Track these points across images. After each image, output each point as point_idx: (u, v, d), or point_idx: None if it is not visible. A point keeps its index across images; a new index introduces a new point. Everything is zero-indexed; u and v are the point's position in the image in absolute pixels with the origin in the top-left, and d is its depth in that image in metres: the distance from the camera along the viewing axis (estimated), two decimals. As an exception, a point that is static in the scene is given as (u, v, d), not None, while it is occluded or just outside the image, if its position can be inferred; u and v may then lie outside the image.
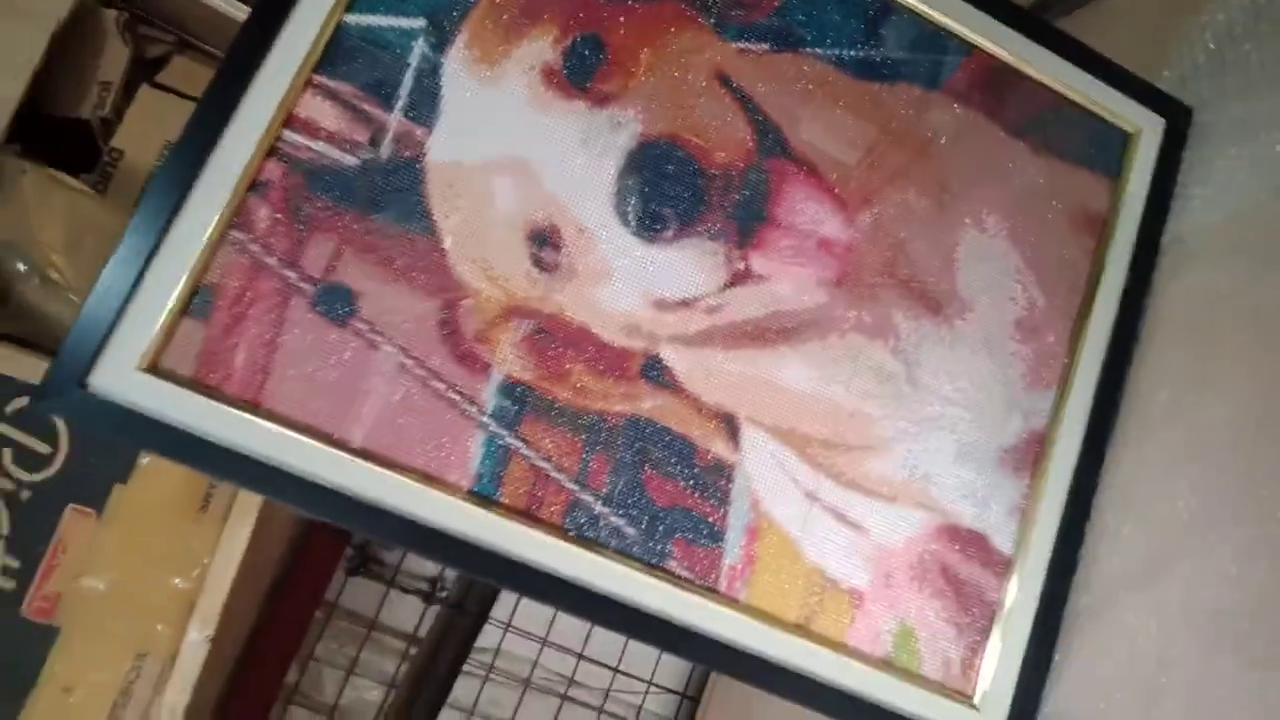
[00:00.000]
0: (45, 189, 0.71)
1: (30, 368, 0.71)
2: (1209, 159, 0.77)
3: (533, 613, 1.38)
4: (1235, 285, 0.69)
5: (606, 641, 1.39)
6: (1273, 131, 0.70)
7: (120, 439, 0.61)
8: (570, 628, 1.39)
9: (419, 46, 0.65)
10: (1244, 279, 0.68)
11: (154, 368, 0.57)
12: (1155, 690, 0.60)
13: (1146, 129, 0.80)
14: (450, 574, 1.36)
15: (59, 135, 0.79)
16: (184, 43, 0.84)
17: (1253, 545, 0.58)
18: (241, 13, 0.75)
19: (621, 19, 0.70)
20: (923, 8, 0.76)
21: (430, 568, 1.40)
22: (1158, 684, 0.60)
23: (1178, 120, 0.81)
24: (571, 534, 0.63)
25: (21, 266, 0.72)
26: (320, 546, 1.18)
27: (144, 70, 0.82)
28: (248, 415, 0.58)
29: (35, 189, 0.71)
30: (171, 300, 0.57)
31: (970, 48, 0.77)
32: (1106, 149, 0.80)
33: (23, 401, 0.69)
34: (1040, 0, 1.02)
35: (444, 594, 1.35)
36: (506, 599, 1.35)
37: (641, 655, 1.40)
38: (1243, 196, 0.72)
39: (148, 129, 0.80)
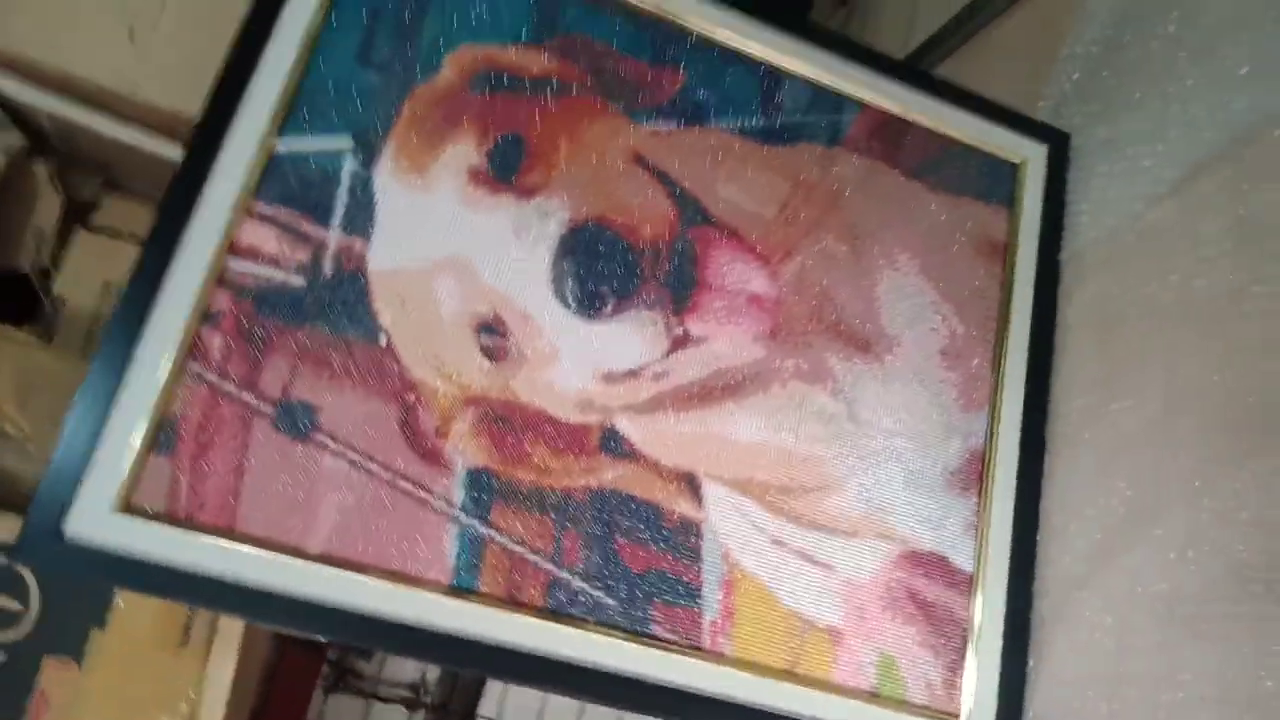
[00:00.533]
0: (-11, 344, 0.72)
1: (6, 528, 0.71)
2: (1086, 178, 0.84)
3: (521, 701, 1.37)
4: (1126, 290, 0.75)
5: (601, 716, 1.38)
6: (1135, 147, 0.78)
7: (102, 581, 0.61)
8: (561, 709, 1.38)
9: (349, 164, 0.68)
10: (1133, 283, 0.74)
11: (128, 507, 0.58)
12: (1119, 679, 0.64)
13: (1031, 157, 0.87)
14: (432, 677, 1.35)
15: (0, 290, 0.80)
16: (111, 184, 0.85)
17: (1188, 529, 0.63)
18: (168, 150, 0.78)
19: (537, 116, 0.74)
20: (810, 73, 0.82)
21: (411, 674, 1.38)
22: (1121, 673, 0.64)
23: (1058, 145, 0.88)
24: (554, 613, 0.64)
25: (-28, 424, 0.72)
26: (296, 667, 1.16)
27: (76, 214, 0.83)
28: (224, 541, 0.59)
29: (-21, 347, 0.71)
30: (138, 439, 0.59)
31: (860, 104, 0.84)
32: (998, 180, 0.86)
33: (-14, 559, 0.69)
34: (921, 46, 1.10)
35: (427, 698, 1.33)
36: (491, 694, 1.34)
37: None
38: (1119, 209, 0.78)
39: (87, 272, 0.82)
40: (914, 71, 0.86)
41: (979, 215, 0.85)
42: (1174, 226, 0.72)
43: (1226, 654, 0.57)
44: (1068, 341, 0.80)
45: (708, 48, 0.80)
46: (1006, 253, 0.84)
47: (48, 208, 0.79)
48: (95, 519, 0.57)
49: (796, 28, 0.83)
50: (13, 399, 0.72)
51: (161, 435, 0.60)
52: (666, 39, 0.79)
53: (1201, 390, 0.65)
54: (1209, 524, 0.61)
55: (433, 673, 1.32)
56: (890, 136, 0.84)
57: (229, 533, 0.59)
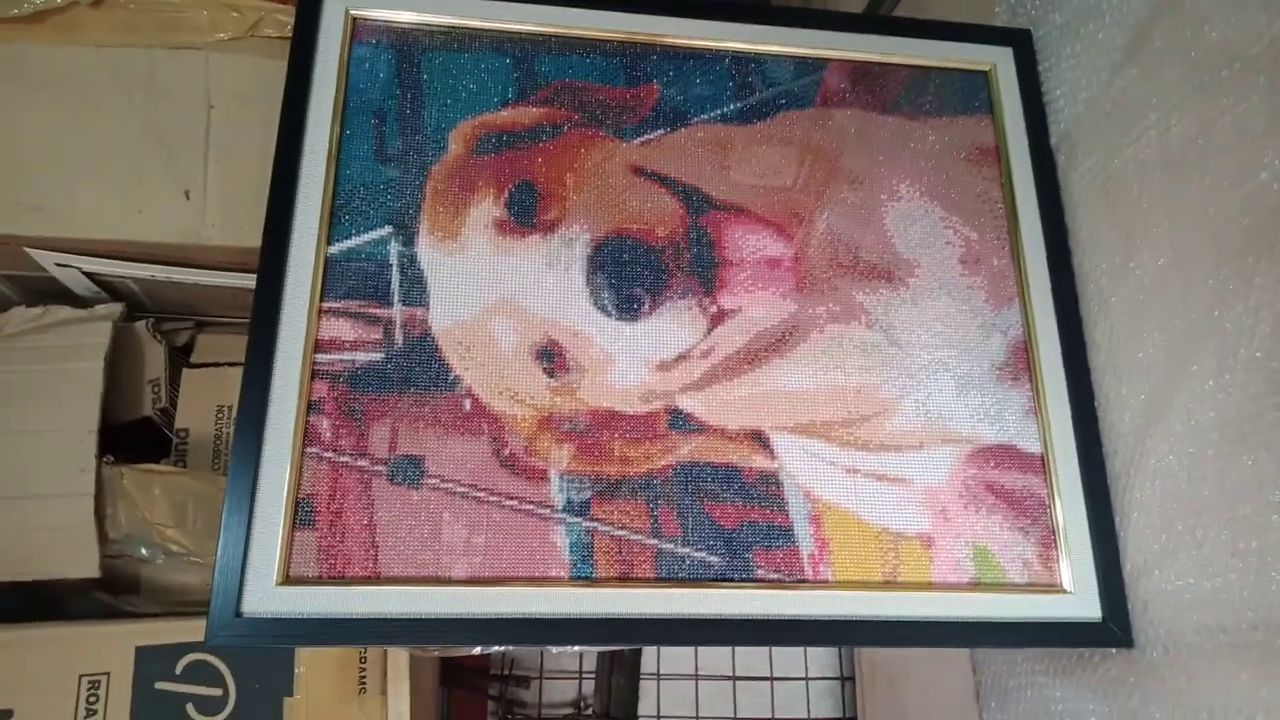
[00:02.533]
0: (144, 482, 0.83)
1: (182, 631, 0.82)
2: (1056, 64, 0.88)
3: (676, 696, 1.44)
4: (1115, 155, 0.79)
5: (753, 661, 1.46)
6: (1086, 24, 0.82)
7: (281, 644, 0.71)
8: (713, 700, 1.45)
9: (394, 248, 0.78)
10: (1119, 146, 0.78)
11: (287, 579, 0.68)
12: (1198, 509, 0.68)
13: (999, 62, 0.92)
14: (588, 690, 1.43)
15: (134, 436, 0.92)
16: (200, 323, 0.98)
17: (1219, 355, 0.67)
18: (242, 282, 0.89)
19: (540, 160, 0.83)
20: (772, 49, 0.89)
21: (569, 693, 1.47)
22: (1198, 504, 0.68)
23: (1022, 44, 0.93)
24: (666, 580, 0.72)
25: (145, 551, 0.84)
26: (464, 704, 1.26)
27: (178, 357, 0.95)
28: (373, 587, 0.68)
29: (136, 486, 0.83)
30: (282, 522, 0.69)
31: (825, 62, 0.90)
32: (974, 92, 0.91)
33: (189, 658, 0.80)
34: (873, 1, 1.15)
35: (589, 711, 1.42)
36: (648, 695, 1.42)
37: (787, 657, 1.47)
38: (1090, 84, 0.82)
39: (200, 403, 0.94)
40: (867, 18, 0.92)
41: (965, 128, 0.90)
42: (1139, 85, 0.76)
43: (1275, 460, 0.61)
44: (1078, 216, 0.85)
45: (674, 56, 0.88)
46: (999, 154, 0.89)
47: (155, 358, 0.91)
48: (263, 595, 0.67)
49: (749, 15, 0.90)
50: (171, 521, 0.83)
51: (300, 513, 0.70)
52: (635, 60, 0.87)
53: (1198, 228, 0.69)
54: (1235, 346, 0.65)
55: (587, 685, 1.41)
56: (861, 83, 0.90)
57: (376, 579, 0.69)
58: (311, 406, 0.73)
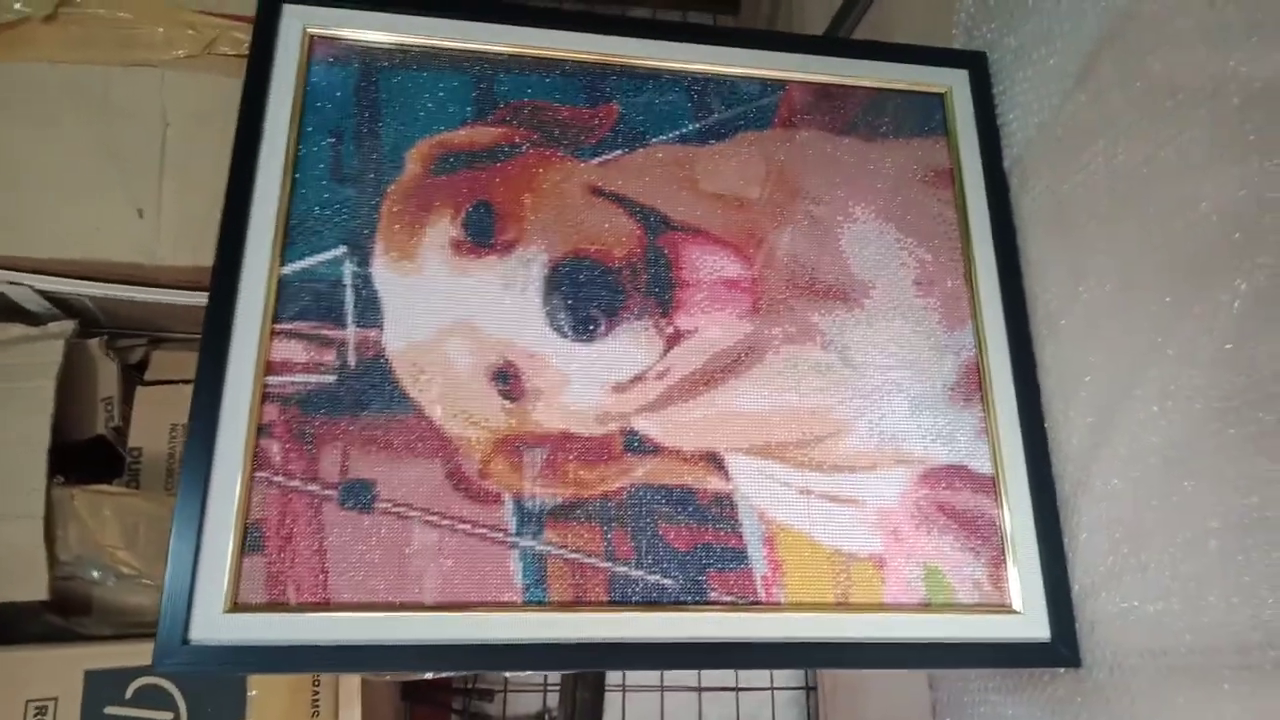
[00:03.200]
0: (95, 503, 0.82)
1: (132, 654, 0.81)
2: (1009, 87, 0.89)
3: (642, 708, 1.44)
4: (1064, 180, 0.80)
5: (719, 672, 1.46)
6: (1038, 49, 0.83)
7: (230, 671, 0.71)
8: (679, 712, 1.45)
9: (348, 268, 0.78)
10: (1069, 172, 0.79)
11: (235, 606, 0.67)
12: (1142, 532, 0.69)
13: (954, 84, 0.93)
14: (552, 702, 1.43)
15: (87, 455, 0.91)
16: (155, 340, 0.97)
17: (1160, 382, 0.68)
18: (195, 299, 0.88)
19: (498, 180, 0.83)
20: (730, 71, 0.89)
21: (534, 706, 1.46)
22: (1141, 526, 0.69)
23: (977, 66, 0.94)
24: (619, 603, 0.72)
25: (96, 574, 0.83)
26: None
27: (131, 374, 0.94)
28: (323, 614, 0.68)
29: (86, 507, 0.82)
30: (230, 548, 0.68)
31: (783, 83, 0.91)
32: (929, 114, 0.92)
33: (139, 682, 0.79)
34: (836, 16, 1.16)
35: (554, 721, 1.42)
36: (612, 706, 1.42)
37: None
38: (1042, 108, 0.84)
39: (153, 421, 0.93)
40: (826, 41, 0.93)
41: (921, 150, 0.91)
42: (1088, 112, 0.77)
43: (1217, 484, 0.62)
44: (1029, 239, 0.86)
45: (634, 76, 0.88)
46: (954, 176, 0.90)
47: (107, 376, 0.90)
48: (211, 623, 0.66)
49: (709, 37, 0.91)
50: (122, 543, 0.83)
51: (249, 539, 0.69)
52: (595, 80, 0.87)
53: (1143, 255, 0.70)
54: (1176, 373, 0.66)
55: (552, 698, 1.41)
56: (820, 105, 0.91)
57: (326, 605, 0.69)
58: (262, 430, 0.72)
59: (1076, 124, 0.79)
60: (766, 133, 0.89)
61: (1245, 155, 0.61)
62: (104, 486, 0.84)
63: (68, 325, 0.88)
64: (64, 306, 0.90)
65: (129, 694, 0.80)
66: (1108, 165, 0.74)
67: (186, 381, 0.95)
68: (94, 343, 0.90)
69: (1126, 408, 0.71)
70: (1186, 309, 0.65)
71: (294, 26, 0.83)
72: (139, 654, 0.81)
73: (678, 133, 0.87)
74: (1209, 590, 0.61)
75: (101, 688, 0.80)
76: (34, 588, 0.82)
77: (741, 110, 0.89)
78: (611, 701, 1.43)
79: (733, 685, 1.50)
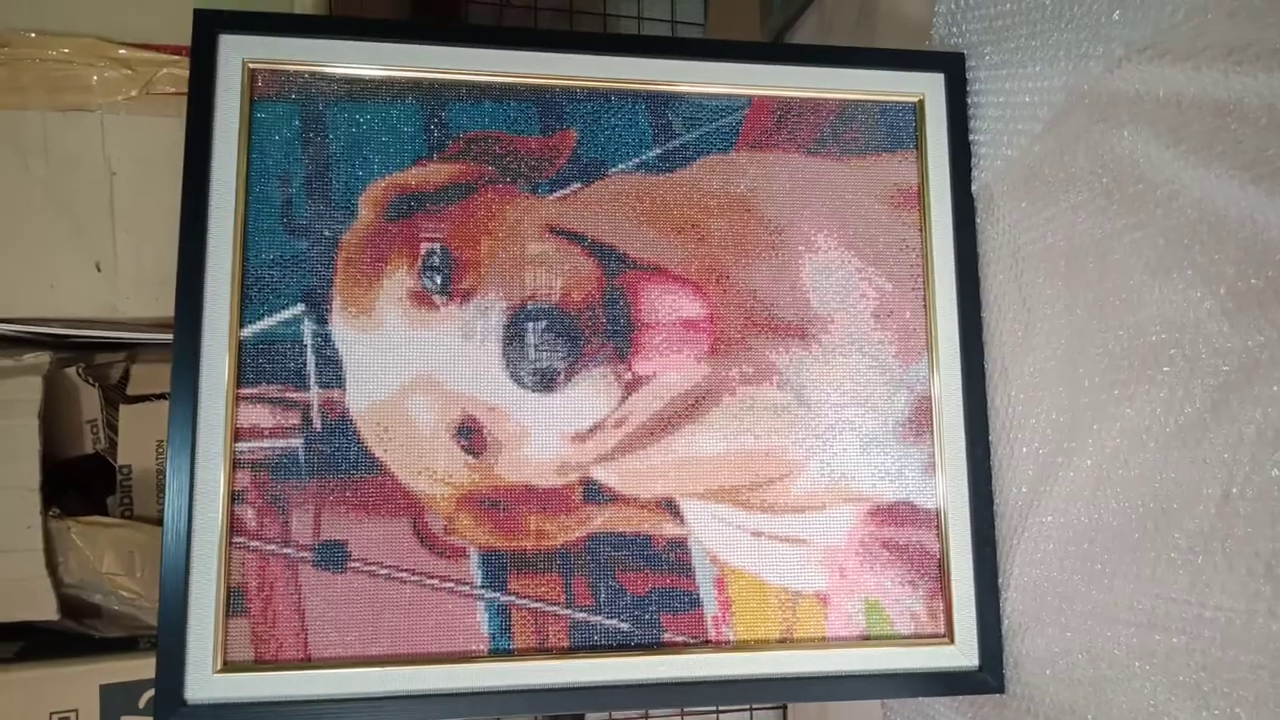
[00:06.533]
0: (90, 534, 0.88)
1: (141, 669, 0.89)
2: (985, 107, 0.86)
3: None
4: (1027, 227, 0.79)
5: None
6: (1015, 81, 0.79)
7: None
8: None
9: (307, 326, 0.79)
10: (1030, 220, 0.78)
11: (225, 666, 0.74)
12: (1067, 594, 0.73)
13: (929, 91, 0.89)
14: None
15: (83, 469, 0.96)
16: (133, 355, 0.98)
17: (1094, 469, 0.70)
18: (161, 337, 0.89)
19: (453, 222, 0.82)
20: (692, 87, 0.86)
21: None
22: (1067, 587, 0.73)
23: (954, 70, 0.89)
24: (579, 649, 0.78)
25: (100, 597, 0.90)
26: None
27: (112, 393, 0.97)
28: (305, 671, 0.74)
29: (84, 537, 0.88)
30: (215, 611, 0.74)
31: (746, 99, 0.87)
32: (901, 125, 0.89)
33: (150, 693, 0.87)
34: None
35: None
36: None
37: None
38: (1011, 143, 0.81)
39: (140, 437, 0.96)
40: (791, 49, 0.88)
41: (889, 168, 0.88)
42: (1052, 165, 0.75)
43: (1133, 580, 0.66)
44: (989, 275, 0.85)
45: (590, 98, 0.85)
46: (921, 195, 0.88)
47: (89, 400, 0.93)
48: (203, 683, 0.73)
49: (669, 50, 0.86)
50: (120, 570, 0.88)
51: (233, 602, 0.75)
52: (549, 105, 0.84)
53: (1092, 334, 0.71)
54: (1108, 464, 0.68)
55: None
56: (784, 121, 0.87)
57: (307, 662, 0.75)
58: (235, 497, 0.76)
59: (1042, 175, 0.77)
60: (730, 156, 0.86)
61: (1188, 275, 0.60)
62: (98, 518, 0.89)
63: (44, 358, 0.90)
64: (35, 342, 0.92)
65: (142, 704, 0.88)
66: (1068, 231, 0.73)
67: (168, 394, 0.98)
68: (71, 371, 0.92)
69: (1062, 477, 0.74)
70: (1124, 401, 0.67)
71: (233, 60, 0.79)
72: (147, 668, 0.89)
73: (637, 160, 0.85)
74: (1109, 666, 0.66)
75: (117, 699, 0.88)
76: (43, 609, 0.88)
77: (704, 131, 0.86)
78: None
79: (713, 708, 1.59)
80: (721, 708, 1.55)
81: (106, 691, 0.88)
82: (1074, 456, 0.73)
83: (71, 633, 0.95)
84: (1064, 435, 0.74)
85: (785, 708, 1.60)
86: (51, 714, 0.86)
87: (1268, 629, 0.54)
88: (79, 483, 0.97)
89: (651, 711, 1.58)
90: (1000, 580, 0.82)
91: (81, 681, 0.88)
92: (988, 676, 0.81)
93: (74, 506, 0.93)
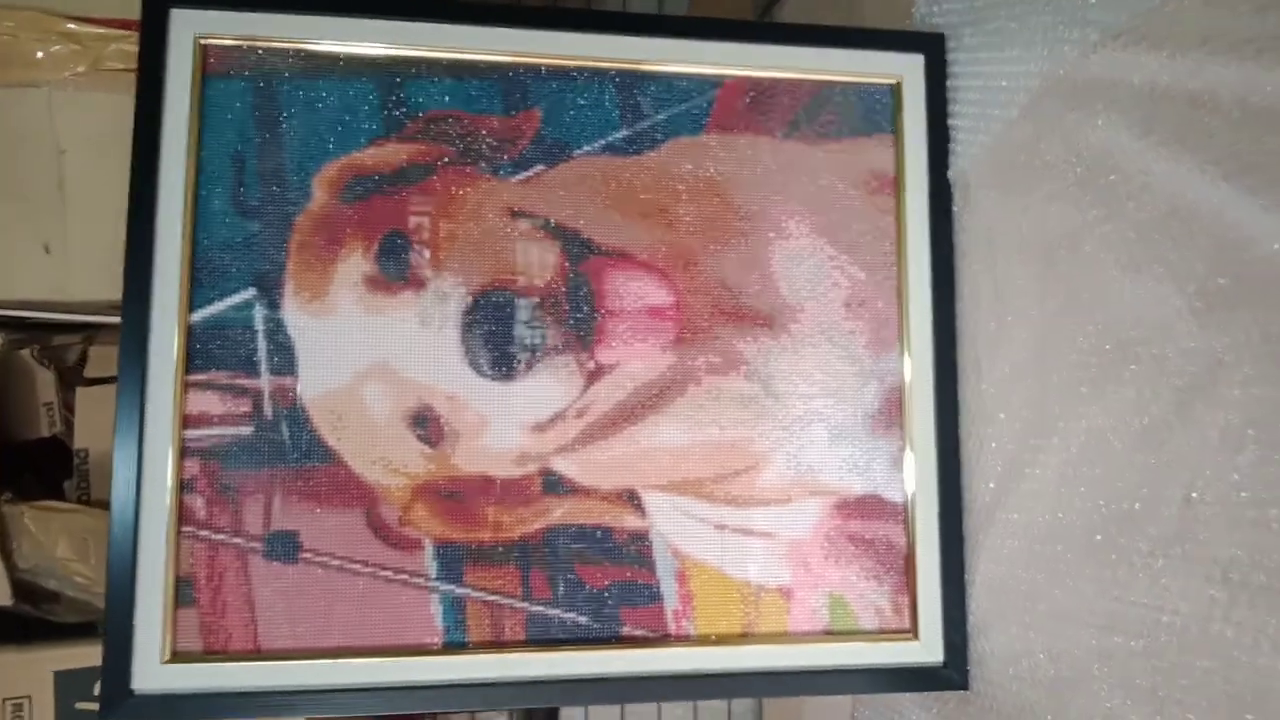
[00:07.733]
0: (44, 520, 0.86)
1: (94, 655, 0.88)
2: (964, 90, 0.83)
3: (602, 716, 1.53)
4: (1002, 218, 0.77)
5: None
6: (993, 65, 0.77)
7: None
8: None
9: (258, 311, 0.77)
10: (1005, 211, 0.76)
11: (173, 656, 0.72)
12: (1031, 593, 0.72)
13: (908, 73, 0.86)
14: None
15: (40, 452, 0.94)
16: (91, 339, 0.96)
17: (1060, 469, 0.68)
18: (113, 319, 0.87)
19: (412, 205, 0.79)
20: (662, 66, 0.83)
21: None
22: (1030, 586, 0.72)
23: (934, 51, 0.87)
24: (536, 643, 0.77)
25: (55, 583, 0.88)
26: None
27: (69, 376, 0.95)
28: (254, 662, 0.73)
29: (37, 522, 0.86)
30: (164, 602, 0.72)
31: (719, 80, 0.84)
32: (878, 108, 0.86)
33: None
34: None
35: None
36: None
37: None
38: (988, 129, 0.78)
39: (97, 420, 0.94)
40: (766, 27, 0.86)
41: (865, 153, 0.86)
42: (1028, 153, 0.73)
43: (1094, 582, 0.64)
44: (964, 265, 0.83)
45: (556, 76, 0.82)
46: (897, 181, 0.86)
47: (45, 383, 0.91)
48: (151, 673, 0.71)
49: (639, 26, 0.83)
50: (74, 556, 0.87)
51: (181, 592, 0.73)
52: (513, 83, 0.81)
53: (1062, 330, 0.69)
54: (1074, 464, 0.66)
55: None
56: (757, 103, 0.85)
57: (257, 654, 0.73)
58: (185, 485, 0.74)
59: (1017, 165, 0.74)
60: (700, 139, 0.84)
61: (1158, 272, 0.58)
62: (52, 503, 0.87)
63: (-4, 340, 0.88)
64: (-9, 325, 0.90)
65: (97, 691, 0.87)
66: (1040, 225, 0.71)
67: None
68: (26, 353, 0.91)
69: (1028, 475, 0.72)
70: (1091, 400, 0.65)
71: (184, 36, 0.77)
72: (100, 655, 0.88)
73: (604, 141, 0.82)
74: (1069, 667, 0.65)
75: (71, 685, 0.87)
76: (-2, 594, 0.87)
77: (673, 112, 0.84)
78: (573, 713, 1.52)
79: (688, 701, 1.57)
80: (698, 702, 1.54)
81: (61, 678, 0.87)
82: (1041, 454, 0.71)
83: (29, 617, 0.94)
84: (1032, 432, 0.72)
85: (760, 702, 1.59)
86: (4, 700, 0.85)
87: (1222, 635, 0.52)
88: (35, 466, 0.95)
89: (627, 705, 1.57)
90: (967, 577, 0.81)
91: (35, 668, 0.86)
92: (952, 673, 0.80)
93: (31, 490, 0.91)
